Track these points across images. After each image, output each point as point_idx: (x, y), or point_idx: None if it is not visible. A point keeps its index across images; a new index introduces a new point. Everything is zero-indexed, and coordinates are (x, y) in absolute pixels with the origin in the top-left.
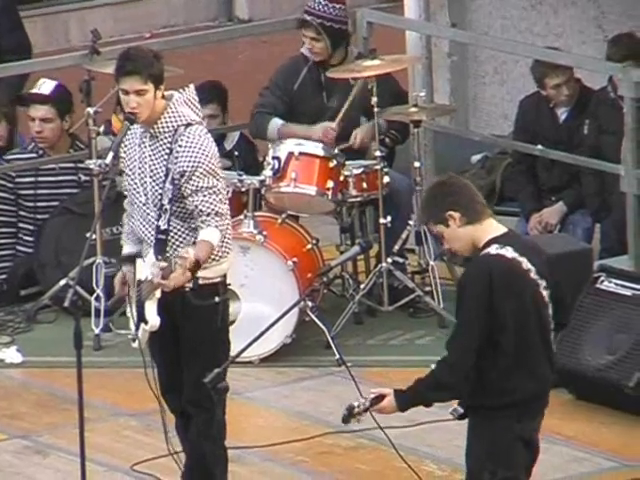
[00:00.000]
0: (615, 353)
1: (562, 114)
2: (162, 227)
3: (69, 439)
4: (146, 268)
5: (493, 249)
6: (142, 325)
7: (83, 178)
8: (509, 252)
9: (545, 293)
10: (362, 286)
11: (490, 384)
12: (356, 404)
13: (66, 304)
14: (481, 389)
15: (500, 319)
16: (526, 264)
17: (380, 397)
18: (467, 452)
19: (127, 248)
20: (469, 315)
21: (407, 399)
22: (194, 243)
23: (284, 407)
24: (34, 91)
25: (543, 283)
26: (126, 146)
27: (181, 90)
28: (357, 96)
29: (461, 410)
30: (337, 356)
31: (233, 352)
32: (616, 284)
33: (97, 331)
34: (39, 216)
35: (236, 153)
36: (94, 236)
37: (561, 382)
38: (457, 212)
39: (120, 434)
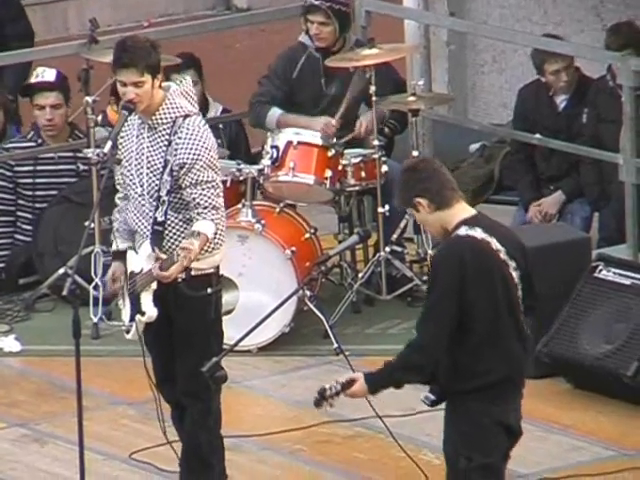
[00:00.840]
0: (613, 342)
1: (561, 102)
2: (159, 219)
3: (67, 427)
4: (139, 260)
5: (462, 231)
6: (138, 316)
7: (81, 167)
8: (478, 233)
9: (515, 274)
10: (360, 275)
11: (463, 367)
12: (327, 386)
13: (64, 293)
14: (454, 373)
15: (471, 300)
16: (495, 244)
17: (351, 382)
18: (444, 439)
19: (118, 244)
20: (440, 297)
21: (377, 381)
22: (191, 234)
23: (282, 396)
24: (37, 80)
25: (513, 264)
26: (122, 137)
27: (178, 82)
28: (356, 88)
29: (432, 397)
30: (335, 345)
31: (231, 341)
32: (614, 273)
33: (95, 320)
34: (38, 205)
35: (221, 126)
36: (92, 225)
37: (559, 371)
38: (425, 199)
39: (118, 423)
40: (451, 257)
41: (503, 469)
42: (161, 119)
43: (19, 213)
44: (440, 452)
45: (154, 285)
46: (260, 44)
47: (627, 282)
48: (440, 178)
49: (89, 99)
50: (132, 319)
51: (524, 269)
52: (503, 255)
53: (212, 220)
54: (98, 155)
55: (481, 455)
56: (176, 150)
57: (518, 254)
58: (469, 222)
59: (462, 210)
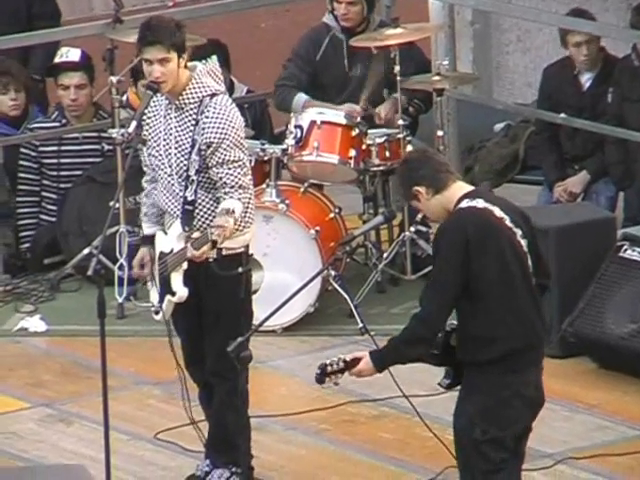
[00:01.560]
0: (638, 321)
1: (586, 82)
2: (189, 198)
3: (93, 407)
4: (169, 240)
5: (464, 203)
6: (168, 297)
7: (106, 147)
8: (480, 203)
9: (523, 242)
10: (385, 255)
11: (478, 338)
12: (328, 362)
13: (89, 273)
14: (471, 343)
15: (479, 268)
16: (499, 212)
17: (355, 360)
18: (457, 411)
19: (146, 228)
20: (445, 268)
21: (383, 357)
22: (225, 212)
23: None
24: (62, 60)
25: (519, 232)
26: (149, 117)
27: (204, 61)
28: (376, 71)
29: (447, 380)
30: (360, 325)
31: (256, 321)
32: (639, 252)
33: (120, 300)
34: (62, 185)
35: (246, 106)
36: (117, 205)
37: (584, 350)
38: (422, 186)
39: (143, 402)
40: (453, 228)
41: (522, 442)
42: (188, 99)
43: (44, 193)
44: None
45: (185, 265)
46: (285, 24)
47: None
48: (432, 163)
49: (114, 79)
50: (161, 300)
51: (531, 239)
52: (508, 222)
53: (239, 199)
54: (122, 135)
55: (497, 428)
56: (203, 129)
57: (522, 223)
58: (469, 195)
59: (460, 188)
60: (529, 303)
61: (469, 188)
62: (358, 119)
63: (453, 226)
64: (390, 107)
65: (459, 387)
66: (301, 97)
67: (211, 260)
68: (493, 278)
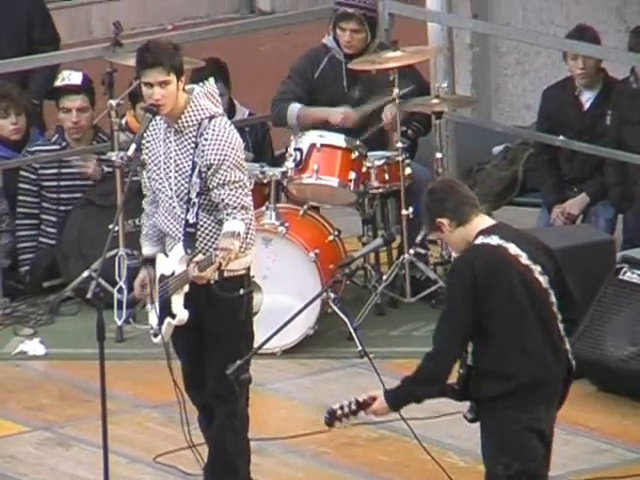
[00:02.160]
0: (638, 344)
1: (586, 101)
2: (191, 221)
3: (92, 431)
4: (170, 263)
5: (479, 240)
6: (168, 319)
7: (106, 170)
8: (494, 240)
9: (542, 279)
10: (384, 277)
11: (489, 373)
12: (337, 406)
13: (89, 296)
14: (483, 378)
15: (489, 306)
16: (514, 249)
17: (369, 400)
18: (482, 448)
19: (147, 249)
20: (454, 306)
21: (397, 397)
22: (230, 235)
23: (306, 399)
24: (63, 83)
25: (538, 268)
26: (148, 141)
27: (201, 83)
28: (383, 99)
29: (470, 415)
30: (359, 347)
31: (256, 343)
32: (639, 275)
33: (119, 323)
34: (62, 207)
35: (247, 129)
36: (116, 228)
37: (584, 373)
38: (445, 218)
39: (142, 426)
40: (462, 265)
41: (545, 474)
42: (187, 122)
43: (43, 216)
44: (465, 454)
45: (186, 288)
46: (284, 47)
47: None
48: (457, 195)
49: (113, 102)
50: (161, 322)
51: (554, 274)
52: (525, 260)
53: (242, 220)
54: (122, 158)
55: (519, 461)
56: (203, 151)
57: (543, 258)
58: (486, 231)
59: (481, 222)
60: (541, 339)
61: (489, 223)
62: (357, 142)
63: (461, 263)
64: (396, 110)
65: None
66: (295, 106)
67: (212, 282)
68: (503, 315)
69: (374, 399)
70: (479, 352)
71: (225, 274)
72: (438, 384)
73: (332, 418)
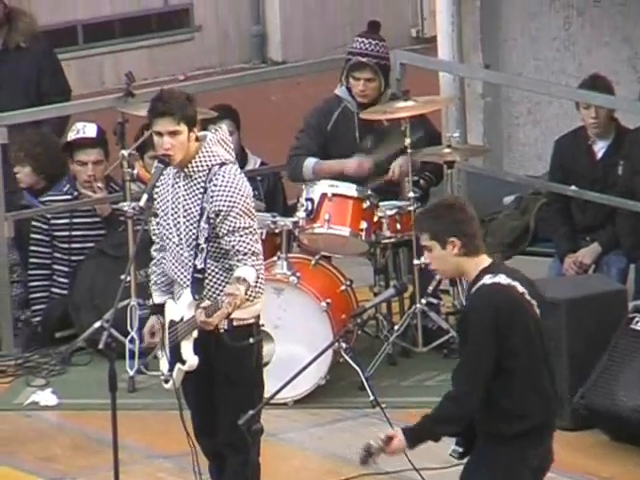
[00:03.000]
0: None
1: (599, 150)
2: (199, 266)
3: None
4: (179, 309)
5: (487, 279)
6: (178, 365)
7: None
8: (503, 279)
9: (538, 312)
10: (396, 327)
11: (506, 412)
12: (372, 442)
13: (100, 346)
14: (498, 415)
15: (511, 346)
16: (520, 287)
17: (390, 438)
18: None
19: (156, 297)
20: (476, 347)
21: (416, 436)
22: (236, 280)
23: (318, 449)
24: (78, 136)
25: (535, 303)
26: (158, 187)
27: (214, 130)
28: (396, 145)
29: (460, 449)
30: (371, 397)
31: (267, 394)
32: None
33: (131, 373)
34: (74, 257)
35: (259, 178)
36: (128, 278)
37: (596, 423)
38: (460, 240)
39: (155, 476)
40: (484, 307)
41: None
42: (197, 167)
43: (55, 266)
44: None
45: (195, 334)
46: (295, 97)
47: None
48: (476, 225)
49: (125, 153)
50: (171, 369)
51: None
52: (527, 296)
53: (253, 266)
54: (134, 208)
55: None
56: (212, 197)
57: (535, 294)
58: (490, 270)
59: (484, 260)
60: (548, 377)
61: (488, 262)
62: (369, 192)
63: (483, 305)
64: (404, 164)
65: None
66: (310, 161)
67: (222, 331)
68: (522, 354)
69: (393, 437)
70: (497, 390)
71: (234, 323)
72: (459, 424)
73: (368, 455)
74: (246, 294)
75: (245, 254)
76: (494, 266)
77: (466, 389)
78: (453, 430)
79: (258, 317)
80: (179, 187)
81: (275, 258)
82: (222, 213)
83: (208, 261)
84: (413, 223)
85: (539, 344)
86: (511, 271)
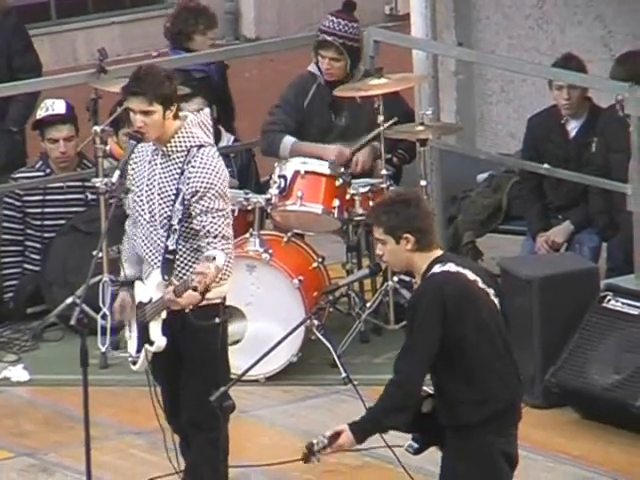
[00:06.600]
0: (622, 372)
1: (572, 130)
2: (170, 247)
3: (75, 457)
4: (148, 289)
5: (436, 268)
6: (146, 346)
7: (90, 196)
8: (452, 267)
9: (496, 301)
10: (368, 304)
11: (464, 401)
12: (315, 441)
13: (72, 322)
14: (460, 407)
15: (458, 332)
16: (471, 275)
17: (337, 435)
18: (447, 474)
19: (127, 270)
20: (423, 333)
21: (363, 430)
22: (205, 259)
23: (290, 426)
24: (47, 113)
25: (491, 291)
26: (135, 163)
27: (195, 112)
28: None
29: (416, 445)
30: (343, 374)
31: (239, 370)
32: (623, 303)
33: (103, 349)
34: (46, 234)
35: (232, 155)
36: (100, 254)
37: (567, 401)
38: (414, 237)
39: (126, 452)
40: (430, 294)
41: None
42: (176, 147)
43: (28, 243)
44: None
45: (163, 314)
46: (269, 74)
47: (635, 312)
48: (430, 221)
49: (98, 129)
50: (139, 350)
51: (500, 298)
52: (481, 284)
53: (223, 249)
54: (106, 184)
55: None
56: (189, 178)
57: (493, 283)
58: (440, 259)
59: (436, 254)
60: (508, 361)
61: (440, 253)
62: (342, 169)
63: (429, 292)
64: (367, 156)
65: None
66: (289, 140)
67: (188, 311)
68: (474, 341)
69: (340, 433)
70: (451, 381)
71: (201, 303)
72: (406, 412)
73: (310, 453)
74: (216, 276)
75: (215, 236)
76: (444, 256)
77: (410, 372)
78: (401, 420)
79: (224, 298)
80: (156, 165)
81: (247, 235)
82: (199, 194)
83: (179, 241)
84: (368, 213)
85: (495, 330)
86: (462, 261)
